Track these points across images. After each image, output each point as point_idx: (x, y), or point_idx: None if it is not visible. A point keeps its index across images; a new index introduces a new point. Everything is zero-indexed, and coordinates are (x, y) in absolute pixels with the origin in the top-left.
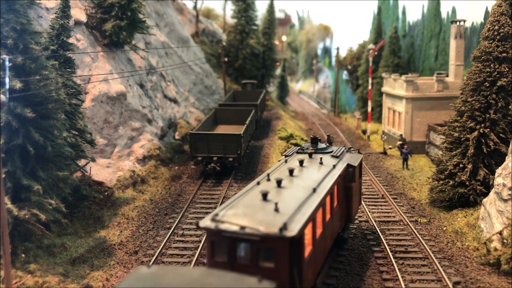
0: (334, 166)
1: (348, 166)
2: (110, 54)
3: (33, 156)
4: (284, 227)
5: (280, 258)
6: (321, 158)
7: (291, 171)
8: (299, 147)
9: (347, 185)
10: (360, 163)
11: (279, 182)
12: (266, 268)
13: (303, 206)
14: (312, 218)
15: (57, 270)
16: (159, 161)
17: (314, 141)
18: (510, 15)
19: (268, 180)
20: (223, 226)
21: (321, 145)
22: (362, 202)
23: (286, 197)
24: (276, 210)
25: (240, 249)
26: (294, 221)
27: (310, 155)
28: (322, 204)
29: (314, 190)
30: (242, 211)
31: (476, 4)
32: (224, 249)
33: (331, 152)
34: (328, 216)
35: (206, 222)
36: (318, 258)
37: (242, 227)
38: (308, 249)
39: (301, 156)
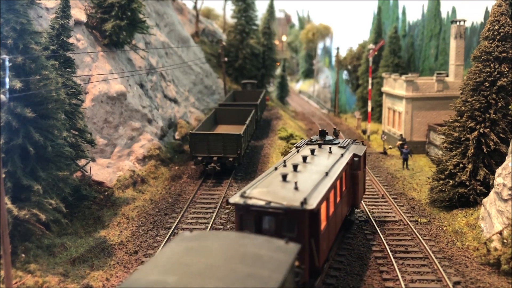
0: (342, 155)
1: (354, 155)
2: (110, 54)
3: (33, 156)
4: (304, 201)
5: (301, 229)
6: (330, 148)
7: (304, 158)
8: (308, 139)
9: (353, 173)
10: (365, 153)
11: (295, 167)
12: (288, 238)
13: (318, 186)
14: (326, 197)
15: (57, 270)
16: (159, 161)
17: (323, 133)
18: (510, 15)
19: (285, 166)
20: (250, 202)
21: (329, 137)
22: (362, 202)
23: (302, 178)
24: (296, 188)
25: (265, 221)
26: (312, 197)
27: (320, 145)
28: (333, 186)
29: (327, 173)
30: (266, 190)
31: (476, 4)
32: (251, 222)
33: (338, 143)
34: (338, 198)
35: (235, 198)
36: (331, 234)
37: (268, 202)
38: (323, 224)
39: (311, 147)
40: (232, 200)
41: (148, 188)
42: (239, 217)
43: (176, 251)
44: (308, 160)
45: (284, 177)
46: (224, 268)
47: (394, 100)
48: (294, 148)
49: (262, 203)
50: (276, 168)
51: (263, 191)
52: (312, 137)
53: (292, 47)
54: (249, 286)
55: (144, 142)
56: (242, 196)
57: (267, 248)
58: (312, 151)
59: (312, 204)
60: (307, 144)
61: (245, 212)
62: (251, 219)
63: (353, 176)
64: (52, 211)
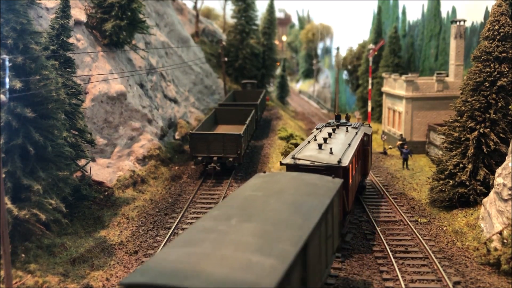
0: (356, 133)
1: (365, 134)
2: (110, 54)
3: (33, 156)
4: (340, 161)
5: None
6: (346, 128)
7: (329, 134)
8: (326, 123)
9: (364, 148)
10: (371, 133)
11: (325, 139)
12: None
13: (345, 152)
14: (351, 160)
15: (57, 270)
16: (159, 161)
17: (338, 117)
18: (510, 15)
19: (315, 140)
20: (299, 162)
21: (343, 120)
22: (362, 201)
23: (333, 147)
24: (331, 153)
25: None
26: (344, 159)
27: (338, 126)
28: (354, 154)
29: (349, 145)
30: (309, 154)
31: (476, 4)
32: None
33: (351, 125)
34: (356, 165)
35: (287, 160)
36: (353, 189)
37: (313, 162)
38: (350, 180)
39: (330, 127)
40: (284, 161)
41: (148, 188)
42: None
43: (257, 182)
44: (332, 136)
45: (320, 145)
46: (292, 189)
47: (394, 100)
48: (315, 129)
49: (308, 162)
50: (309, 142)
51: (307, 155)
52: (329, 121)
53: (292, 47)
54: (312, 201)
55: (144, 142)
56: (293, 158)
57: (320, 180)
58: (334, 130)
59: (345, 163)
60: (325, 126)
61: (294, 170)
62: None
63: (364, 150)
64: (52, 211)
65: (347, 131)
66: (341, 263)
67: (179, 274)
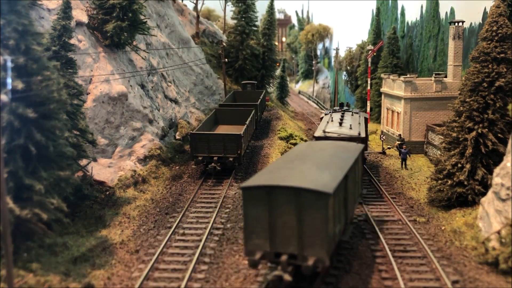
0: (359, 116)
1: (365, 117)
2: (111, 55)
3: (35, 156)
4: (359, 133)
5: None
6: (351, 113)
7: (342, 116)
8: (332, 109)
9: (366, 126)
10: (368, 117)
11: (341, 119)
12: None
13: (360, 127)
14: (365, 133)
15: (58, 269)
16: (160, 161)
17: (342, 105)
18: (508, 16)
19: (332, 120)
20: (328, 134)
21: (345, 108)
22: (362, 201)
23: (349, 125)
24: (350, 128)
25: None
26: (361, 132)
27: (344, 111)
28: (365, 130)
29: (359, 123)
30: (333, 129)
31: (474, 5)
32: None
33: (352, 110)
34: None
35: (318, 133)
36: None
37: (339, 134)
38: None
39: (338, 112)
40: (316, 134)
41: (149, 187)
42: None
43: (302, 146)
44: (344, 117)
45: (340, 123)
46: (330, 148)
47: (393, 101)
48: (324, 114)
49: (335, 135)
50: (327, 122)
51: (332, 130)
52: (334, 108)
53: (291, 48)
54: (346, 154)
55: (145, 142)
56: (323, 131)
57: (348, 144)
58: (343, 113)
59: (362, 135)
60: (333, 112)
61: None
62: None
63: (365, 128)
64: (54, 210)
65: (352, 114)
66: (340, 262)
67: (277, 181)
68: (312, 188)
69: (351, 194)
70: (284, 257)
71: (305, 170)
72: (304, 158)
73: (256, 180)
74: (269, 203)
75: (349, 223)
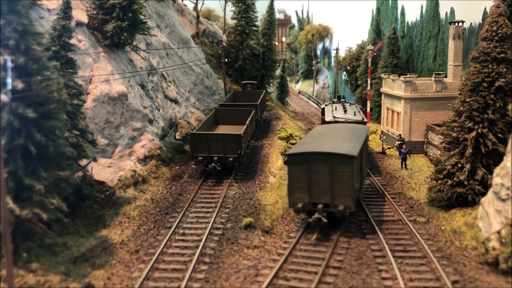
0: (356, 106)
1: (360, 108)
2: (111, 55)
3: (35, 156)
4: (363, 118)
5: None
6: (349, 103)
7: (343, 106)
8: (331, 101)
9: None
10: (361, 107)
11: (344, 108)
12: None
13: (361, 114)
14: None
15: (58, 269)
16: (160, 161)
17: (339, 97)
18: (508, 16)
19: (336, 109)
20: (337, 119)
21: (343, 100)
22: (362, 201)
23: (352, 112)
24: (354, 114)
25: None
26: (364, 117)
27: (342, 102)
28: (365, 116)
29: (359, 111)
30: (340, 115)
31: (474, 5)
32: None
33: (349, 102)
34: None
35: (329, 118)
36: None
37: (346, 119)
38: None
39: (338, 104)
40: (327, 119)
41: (149, 187)
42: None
43: (319, 128)
44: (346, 106)
45: (345, 110)
46: (344, 128)
47: (393, 101)
48: (325, 105)
49: (343, 119)
50: (332, 110)
51: (339, 115)
52: (333, 100)
53: (291, 48)
54: (358, 132)
55: (145, 142)
56: (333, 117)
57: (357, 125)
58: (343, 104)
59: (365, 119)
60: (332, 103)
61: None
62: None
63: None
64: (54, 210)
65: (350, 105)
66: (340, 262)
67: (314, 149)
68: (341, 152)
69: (364, 161)
70: (320, 206)
71: (331, 142)
72: (326, 135)
73: (295, 149)
74: (308, 165)
75: (362, 184)
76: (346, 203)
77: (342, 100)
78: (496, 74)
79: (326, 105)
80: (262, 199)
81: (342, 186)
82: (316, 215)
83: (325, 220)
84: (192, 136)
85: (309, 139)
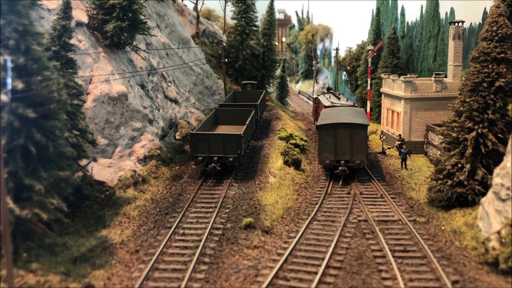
0: (343, 95)
1: (347, 97)
2: (111, 55)
3: (35, 156)
4: (354, 104)
5: None
6: (338, 94)
7: (335, 95)
8: (322, 92)
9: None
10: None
11: (338, 96)
12: None
13: (352, 101)
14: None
15: (58, 269)
16: (160, 161)
17: (329, 89)
18: (508, 16)
19: (330, 98)
20: (335, 104)
21: (331, 91)
22: (362, 201)
23: (345, 99)
24: (347, 100)
25: None
26: (355, 103)
27: (332, 93)
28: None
29: (348, 99)
30: (336, 101)
31: (474, 5)
32: None
33: (337, 92)
34: None
35: (327, 103)
36: None
37: (342, 104)
38: None
39: (329, 94)
40: (326, 104)
41: (149, 187)
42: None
43: (329, 109)
44: (337, 95)
45: (339, 98)
46: (348, 110)
47: (393, 101)
48: (317, 96)
49: (339, 105)
50: (327, 98)
51: (335, 101)
52: (323, 91)
53: (291, 48)
54: (359, 112)
55: (145, 142)
56: (331, 103)
57: (357, 109)
58: (334, 94)
59: (356, 105)
60: (323, 94)
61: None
62: None
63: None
64: (54, 210)
65: (339, 94)
66: (340, 262)
67: (338, 120)
68: (359, 122)
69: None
70: (342, 162)
71: (347, 117)
72: (338, 113)
73: (324, 122)
74: (334, 132)
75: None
76: (361, 158)
77: (330, 91)
78: (496, 74)
79: (318, 95)
80: (262, 199)
81: (358, 146)
82: (341, 167)
83: (348, 171)
84: (192, 136)
85: (327, 115)
